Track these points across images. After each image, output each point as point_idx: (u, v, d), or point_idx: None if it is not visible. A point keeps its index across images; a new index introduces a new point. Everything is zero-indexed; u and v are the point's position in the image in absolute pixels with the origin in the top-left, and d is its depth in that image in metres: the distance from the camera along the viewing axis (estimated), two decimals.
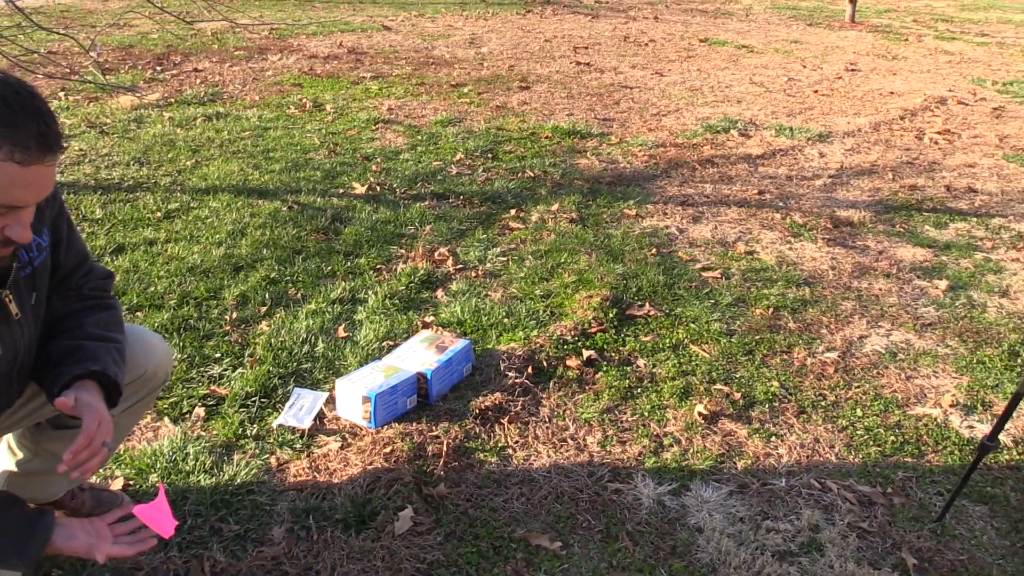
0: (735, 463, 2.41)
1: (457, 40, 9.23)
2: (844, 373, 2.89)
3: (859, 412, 2.67)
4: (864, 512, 2.23)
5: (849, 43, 10.30)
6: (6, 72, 1.28)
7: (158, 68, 7.43)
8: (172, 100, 6.24)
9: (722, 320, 3.16)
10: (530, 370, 2.75)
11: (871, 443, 2.52)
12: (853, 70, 8.41)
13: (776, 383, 2.79)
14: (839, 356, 2.98)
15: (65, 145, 1.33)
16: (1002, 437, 2.57)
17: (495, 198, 4.31)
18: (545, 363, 2.81)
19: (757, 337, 3.07)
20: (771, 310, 3.27)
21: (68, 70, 6.75)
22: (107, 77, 6.59)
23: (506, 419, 2.52)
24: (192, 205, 4.09)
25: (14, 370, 1.59)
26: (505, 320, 3.07)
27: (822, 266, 3.71)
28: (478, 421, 2.50)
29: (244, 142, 5.14)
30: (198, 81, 6.93)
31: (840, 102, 6.94)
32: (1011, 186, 4.91)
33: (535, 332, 2.98)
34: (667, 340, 3.01)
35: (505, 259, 3.61)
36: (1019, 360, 2.99)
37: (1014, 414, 2.67)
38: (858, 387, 2.81)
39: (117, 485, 2.22)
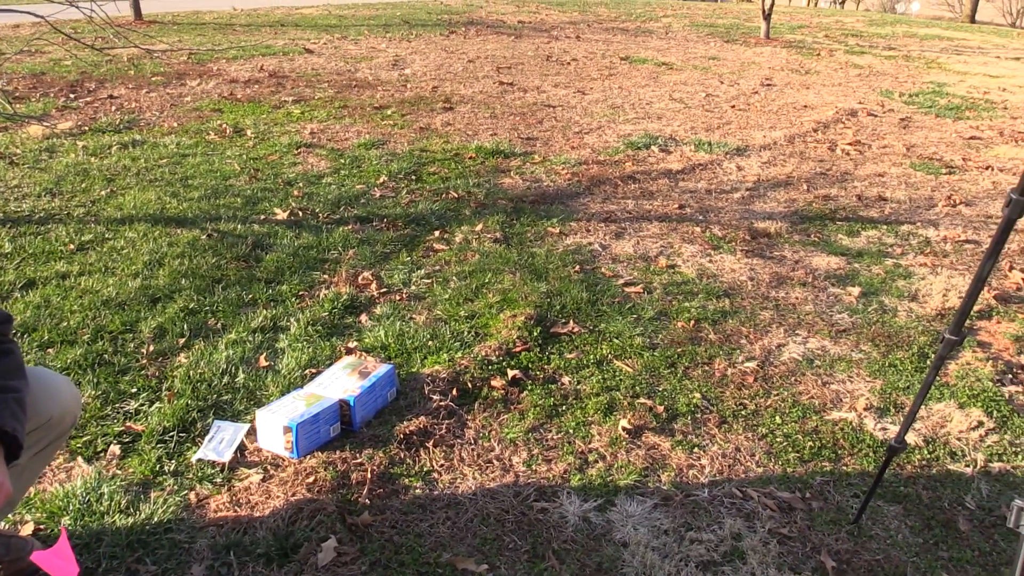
0: (659, 476, 2.44)
1: (380, 62, 9.22)
2: (763, 382, 2.96)
3: (778, 419, 2.74)
4: (784, 518, 2.29)
5: (764, 59, 10.63)
6: None
7: (71, 96, 7.23)
8: (86, 128, 6.07)
9: (645, 334, 3.21)
10: (455, 392, 2.75)
11: (790, 449, 2.59)
12: (769, 85, 8.67)
13: (698, 394, 2.85)
14: (758, 365, 3.05)
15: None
16: (911, 438, 2.66)
17: (419, 220, 4.30)
18: (470, 384, 2.81)
19: (679, 350, 3.12)
20: (692, 322, 3.33)
21: None
22: (16, 106, 6.39)
23: (431, 443, 2.51)
24: (107, 236, 3.98)
25: None
26: (430, 343, 3.06)
27: (741, 277, 3.80)
28: (403, 446, 2.49)
29: (162, 170, 5.04)
30: (113, 108, 6.77)
31: (756, 116, 7.15)
32: (918, 193, 5.12)
33: (460, 354, 2.98)
34: (591, 356, 3.04)
35: (430, 281, 3.61)
36: (928, 362, 3.10)
37: (921, 414, 2.78)
38: (777, 395, 2.88)
39: (27, 530, 2.14)
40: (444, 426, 2.59)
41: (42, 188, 4.66)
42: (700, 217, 4.58)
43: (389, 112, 6.73)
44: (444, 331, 3.14)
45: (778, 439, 2.64)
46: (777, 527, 2.25)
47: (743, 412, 2.77)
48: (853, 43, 12.65)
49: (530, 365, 2.96)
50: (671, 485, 2.41)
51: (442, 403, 2.68)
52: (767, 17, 12.68)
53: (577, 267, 3.79)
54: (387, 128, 6.21)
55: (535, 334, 3.14)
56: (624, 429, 2.62)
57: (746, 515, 2.30)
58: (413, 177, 5.03)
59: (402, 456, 2.45)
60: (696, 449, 2.58)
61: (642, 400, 2.79)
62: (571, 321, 3.27)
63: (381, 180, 4.93)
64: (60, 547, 1.44)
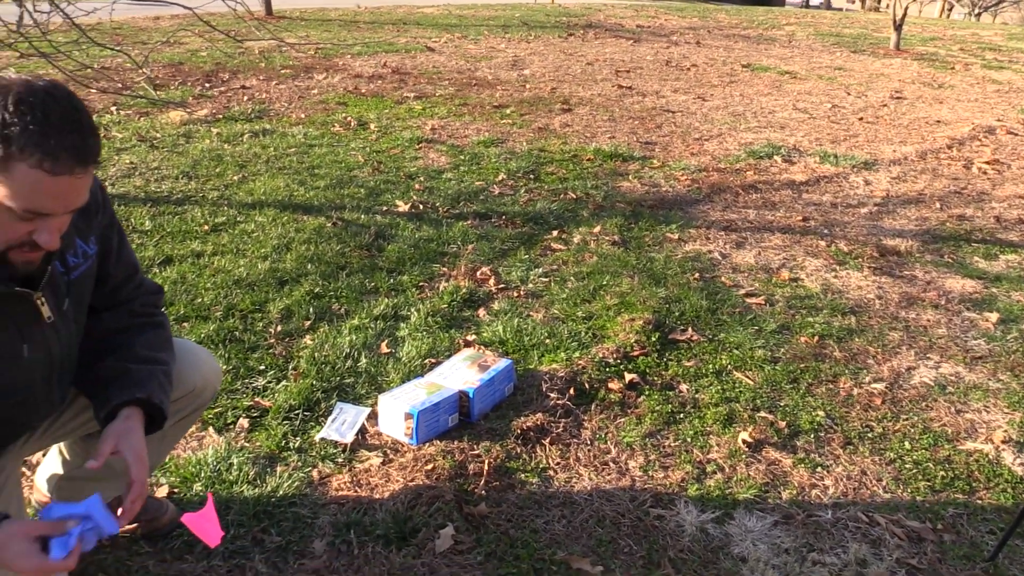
0: (780, 493, 2.37)
1: (500, 62, 9.31)
2: (892, 405, 2.83)
3: (907, 445, 2.61)
4: (913, 548, 2.18)
5: (894, 71, 10.22)
6: (56, 83, 1.30)
7: (207, 85, 7.58)
8: (220, 116, 6.35)
9: (766, 347, 3.13)
10: (572, 392, 2.74)
11: (920, 477, 2.47)
12: (899, 98, 8.33)
13: (822, 413, 2.75)
14: (886, 387, 2.93)
15: (100, 160, 1.33)
16: None
17: (537, 219, 4.32)
18: (587, 385, 2.79)
19: (802, 365, 3.03)
20: (816, 338, 3.22)
21: (120, 85, 6.92)
22: (158, 93, 6.73)
23: (547, 440, 2.51)
24: (238, 219, 4.15)
25: (53, 374, 1.60)
26: (547, 341, 3.06)
27: (868, 295, 3.66)
28: (519, 441, 2.49)
29: (290, 158, 5.22)
30: (245, 98, 7.05)
31: (886, 130, 6.87)
32: None
33: (577, 354, 2.97)
34: (710, 366, 2.98)
35: (547, 280, 3.61)
36: None
37: None
38: (906, 419, 2.75)
39: (162, 493, 2.24)
40: (561, 425, 2.58)
41: (179, 171, 4.90)
42: (825, 231, 4.43)
43: (508, 111, 6.78)
44: (562, 330, 3.14)
45: (907, 465, 2.52)
46: (906, 557, 2.15)
47: (869, 435, 2.66)
48: (991, 57, 12.02)
49: (647, 370, 2.92)
50: (792, 503, 2.33)
51: (559, 402, 2.67)
52: (898, 28, 12.19)
53: (696, 274, 3.72)
54: (506, 127, 6.26)
55: (653, 339, 3.09)
56: (744, 442, 2.56)
57: (872, 541, 2.20)
58: (531, 176, 5.05)
59: (518, 451, 2.46)
60: (819, 468, 2.49)
61: (763, 414, 2.72)
62: (690, 329, 3.21)
63: (500, 178, 4.97)
64: (207, 512, 1.50)
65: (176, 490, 2.27)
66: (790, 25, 15.67)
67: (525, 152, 5.55)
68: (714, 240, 4.19)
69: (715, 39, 12.59)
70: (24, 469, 2.25)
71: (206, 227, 4.02)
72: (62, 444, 2.01)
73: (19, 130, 1.21)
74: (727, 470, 2.45)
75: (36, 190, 1.24)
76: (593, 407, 2.70)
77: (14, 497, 1.72)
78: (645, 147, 5.90)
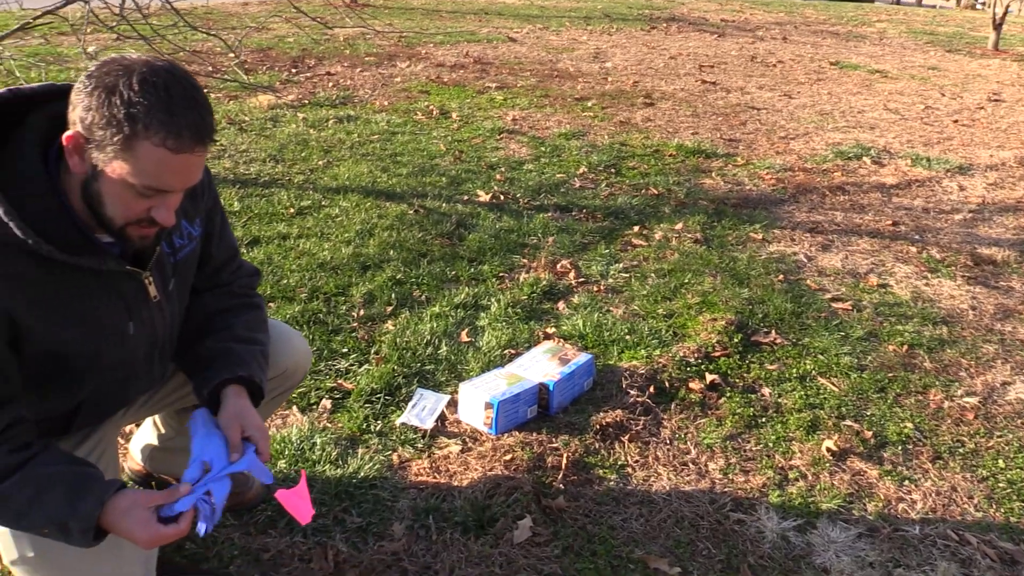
0: (865, 504, 2.30)
1: (581, 54, 9.26)
2: (985, 420, 2.73)
3: (1001, 463, 2.51)
4: (1007, 571, 2.10)
5: (992, 72, 9.81)
6: (174, 64, 1.33)
7: (293, 70, 7.73)
8: (306, 101, 6.47)
9: (852, 354, 3.04)
10: (652, 389, 2.71)
11: (1014, 498, 2.37)
12: (997, 100, 8.00)
13: (910, 424, 2.66)
14: (980, 402, 2.82)
15: (216, 139, 1.36)
16: None
17: (618, 213, 4.28)
18: (667, 384, 2.76)
19: (890, 375, 2.94)
20: (905, 348, 3.12)
21: (211, 68, 7.11)
22: (247, 77, 6.90)
23: (626, 437, 2.49)
24: (323, 203, 4.22)
25: (155, 352, 1.65)
26: (627, 337, 3.04)
27: (961, 305, 3.52)
28: (598, 437, 2.48)
29: (373, 145, 5.29)
30: (330, 84, 7.17)
31: (982, 133, 6.61)
32: None
33: (657, 351, 2.94)
34: (794, 370, 2.91)
35: (627, 275, 3.58)
36: None
37: None
38: (1000, 436, 2.65)
39: None
40: (640, 422, 2.56)
41: (267, 154, 5.01)
42: (916, 236, 4.28)
43: (590, 104, 6.74)
44: (642, 327, 3.11)
45: (1000, 484, 2.42)
46: None
47: (960, 450, 2.57)
48: None
49: (729, 372, 2.88)
50: (878, 516, 2.26)
51: (639, 399, 2.65)
52: (998, 27, 11.69)
53: (780, 276, 3.64)
54: (587, 120, 6.22)
55: (735, 341, 3.04)
56: (828, 450, 2.50)
57: (962, 561, 2.12)
58: (613, 170, 5.01)
59: (597, 447, 2.45)
60: (907, 482, 2.41)
61: (848, 423, 2.65)
62: (773, 331, 3.15)
63: (581, 171, 4.94)
64: (300, 489, 1.53)
65: None
66: (881, 22, 15.18)
67: (606, 146, 5.51)
68: (799, 242, 4.10)
69: (802, 35, 12.29)
70: (119, 439, 2.33)
71: (292, 210, 4.10)
72: (156, 416, 2.08)
73: (144, 109, 1.24)
74: (810, 478, 2.39)
75: (158, 167, 1.28)
76: (673, 406, 2.67)
77: (111, 465, 1.78)
78: (729, 144, 5.80)
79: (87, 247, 1.38)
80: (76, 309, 1.42)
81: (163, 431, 2.11)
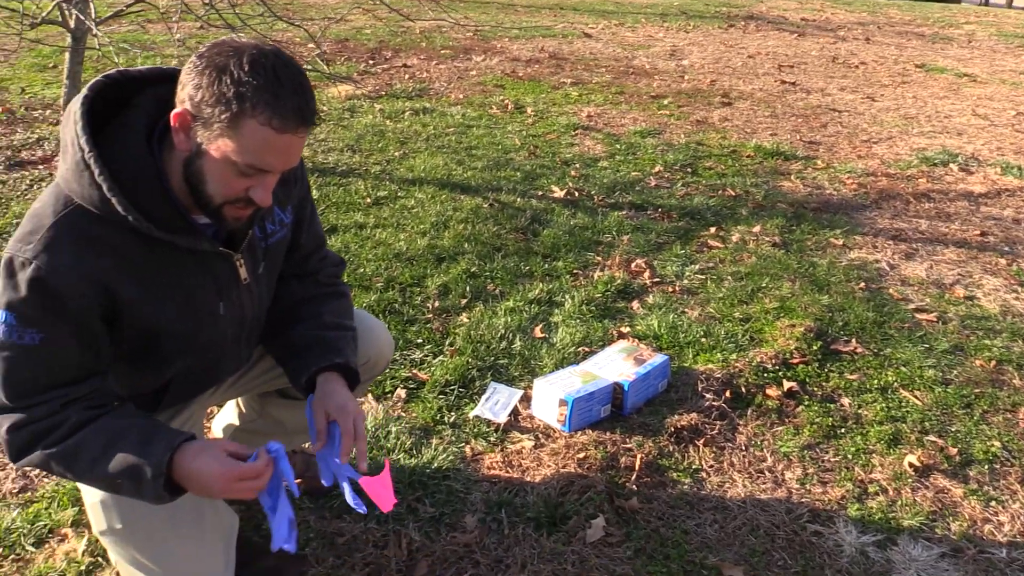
0: (948, 523, 2.23)
1: (657, 51, 9.16)
2: None
3: None
4: None
5: None
6: (280, 48, 1.35)
7: (371, 62, 7.82)
8: (383, 93, 6.55)
9: (937, 367, 2.95)
10: (728, 394, 2.67)
11: None
12: None
13: (997, 443, 2.57)
14: None
15: (318, 122, 1.37)
16: None
17: (694, 214, 4.22)
18: (743, 389, 2.71)
19: (977, 390, 2.84)
20: (993, 363, 3.01)
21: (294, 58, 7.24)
22: (327, 68, 7.00)
23: (701, 441, 2.46)
24: (399, 194, 4.27)
25: (242, 335, 1.69)
26: (702, 340, 2.99)
27: None
28: (672, 439, 2.46)
29: (449, 137, 5.32)
30: (407, 76, 7.24)
31: None
32: None
33: (734, 356, 2.89)
34: (875, 381, 2.84)
35: (703, 277, 3.53)
36: None
37: None
38: None
39: None
40: (716, 427, 2.52)
41: (344, 144, 5.08)
42: (1006, 248, 4.12)
43: (666, 102, 6.66)
44: (718, 330, 3.06)
45: None
46: None
47: None
48: None
49: (807, 379, 2.81)
50: (962, 536, 2.19)
51: (715, 403, 2.61)
52: None
53: (862, 284, 3.55)
54: (663, 118, 6.15)
55: (814, 348, 2.97)
56: (911, 465, 2.42)
57: None
58: (689, 170, 4.94)
59: (671, 449, 2.42)
60: (993, 503, 2.32)
61: (932, 438, 2.57)
62: (854, 340, 3.07)
63: (656, 169, 4.89)
64: (383, 477, 1.55)
65: None
66: (969, 24, 14.65)
67: (683, 145, 5.44)
68: (882, 249, 3.98)
69: (886, 36, 11.93)
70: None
71: (368, 200, 4.16)
72: (239, 398, 2.13)
73: (253, 89, 1.26)
74: (891, 493, 2.33)
75: (262, 146, 1.30)
76: (749, 412, 2.62)
77: None
78: (809, 146, 5.67)
79: (184, 227, 1.42)
80: (172, 287, 1.46)
81: (245, 413, 2.16)
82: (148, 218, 1.35)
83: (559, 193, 4.37)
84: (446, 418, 2.52)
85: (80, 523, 2.07)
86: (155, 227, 1.36)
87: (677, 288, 3.42)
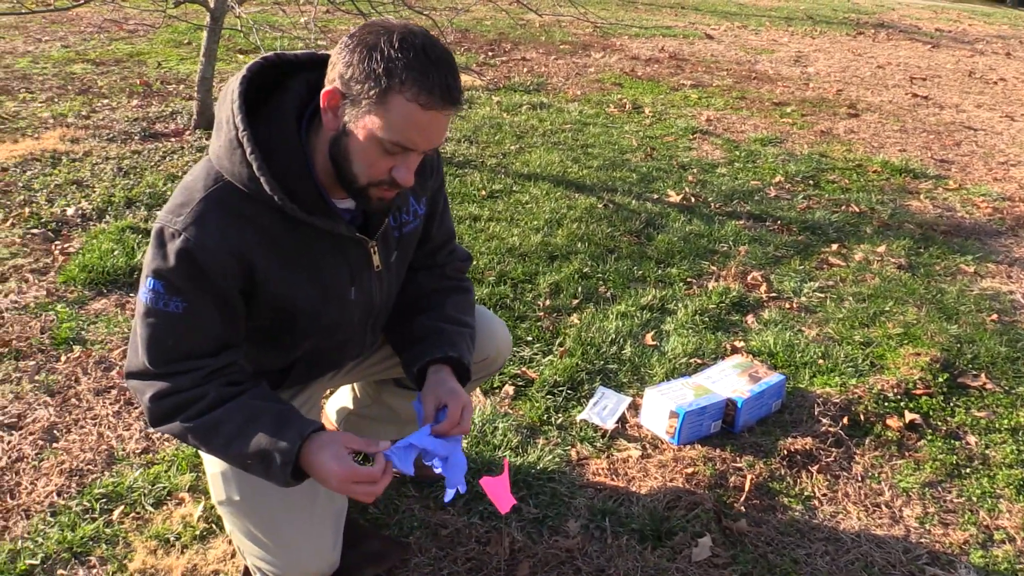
0: None
1: (781, 56, 8.90)
2: None
3: None
4: None
5: None
6: (426, 30, 1.36)
7: (490, 53, 7.87)
8: (500, 85, 6.58)
9: None
10: (845, 421, 2.57)
11: None
12: None
13: None
14: None
15: (464, 104, 1.38)
16: None
17: (815, 228, 4.08)
18: (862, 417, 2.61)
19: None
20: None
21: None
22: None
23: (815, 467, 2.37)
24: (514, 188, 4.28)
25: (368, 321, 1.72)
26: (820, 361, 2.89)
27: None
28: (785, 463, 2.38)
29: (565, 134, 5.30)
30: (525, 70, 7.25)
31: None
32: None
33: (853, 381, 2.78)
34: (1005, 421, 2.68)
35: (823, 295, 3.41)
36: None
37: None
38: None
39: None
40: (831, 454, 2.43)
41: (462, 134, 5.13)
42: None
43: (788, 110, 6.47)
44: (837, 352, 2.95)
45: None
46: None
47: None
48: None
49: (931, 412, 2.68)
50: None
51: (831, 429, 2.52)
52: None
53: (994, 315, 3.36)
54: (785, 126, 5.97)
55: (939, 380, 2.83)
56: None
57: None
58: (811, 182, 4.78)
59: (783, 473, 2.35)
60: None
61: None
62: (983, 375, 2.91)
63: (776, 180, 4.75)
64: (503, 478, 1.55)
65: None
66: None
67: (805, 155, 5.26)
68: (1017, 280, 3.76)
69: None
70: None
71: (484, 192, 4.18)
72: (355, 383, 2.17)
73: (402, 65, 1.28)
74: (1019, 542, 2.19)
75: (408, 123, 1.32)
76: (867, 442, 2.52)
77: None
78: (940, 165, 5.40)
79: (325, 210, 1.45)
80: (307, 267, 1.50)
81: (360, 398, 2.20)
82: (292, 199, 1.39)
83: (675, 198, 4.30)
84: (553, 419, 2.51)
85: (197, 488, 2.16)
86: (298, 208, 1.40)
87: (794, 305, 3.31)
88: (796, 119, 6.21)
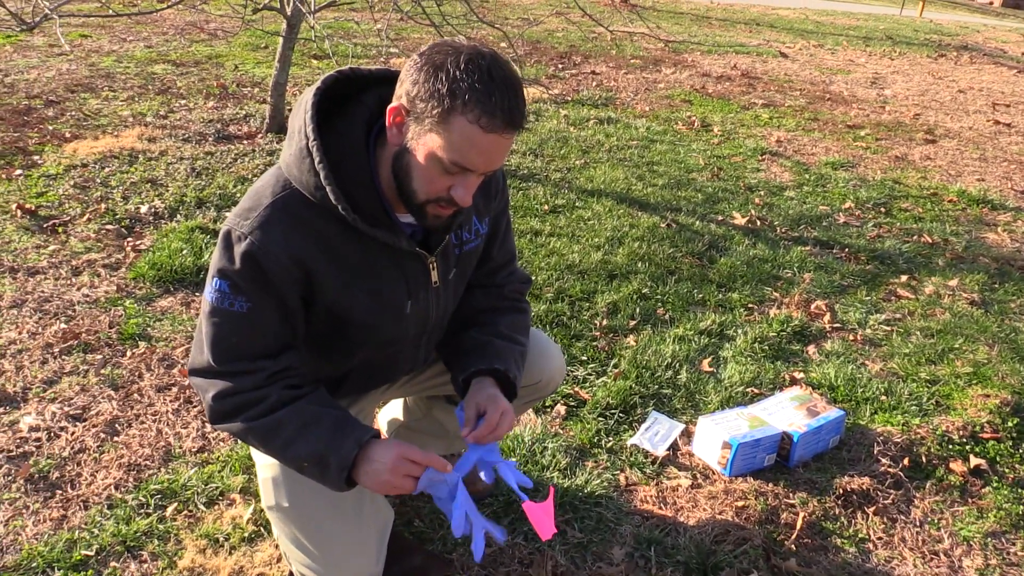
0: None
1: (857, 78, 8.71)
2: None
3: None
4: None
5: None
6: (496, 52, 1.36)
7: (559, 66, 7.88)
8: (568, 99, 6.57)
9: None
10: (906, 462, 2.48)
11: None
12: None
13: None
14: None
15: (527, 127, 1.38)
16: None
17: (884, 258, 3.97)
18: (924, 458, 2.52)
19: None
20: None
21: None
22: (521, 69, 7.11)
23: (871, 509, 2.30)
24: (577, 204, 4.26)
25: (423, 336, 1.73)
26: (882, 398, 2.81)
27: None
28: (839, 502, 2.31)
29: (631, 151, 5.27)
30: (594, 84, 7.24)
31: None
32: None
33: (916, 420, 2.69)
34: None
35: (889, 328, 3.31)
36: None
37: None
38: None
39: None
40: (889, 496, 2.35)
41: (527, 147, 5.14)
42: None
43: (862, 133, 6.32)
44: (900, 389, 2.86)
45: None
46: None
47: None
48: None
49: (998, 458, 2.58)
50: None
51: (890, 469, 2.44)
52: None
53: None
54: (858, 150, 5.83)
55: (1009, 424, 2.72)
56: None
57: None
58: (882, 209, 4.66)
59: (837, 512, 2.28)
60: None
61: None
62: None
63: (847, 206, 4.64)
64: (547, 505, 1.54)
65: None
66: None
67: (878, 182, 5.13)
68: None
69: None
70: None
71: (546, 207, 4.18)
72: (408, 397, 2.19)
73: (466, 86, 1.29)
74: None
75: (468, 144, 1.33)
76: (928, 485, 2.43)
77: None
78: (1021, 197, 5.21)
79: (387, 223, 1.48)
80: (365, 278, 1.52)
81: (411, 411, 2.22)
82: (356, 210, 1.42)
83: (740, 220, 4.23)
84: (603, 442, 2.49)
85: (248, 491, 2.19)
86: (360, 219, 1.42)
87: (859, 337, 3.22)
88: (870, 143, 6.06)
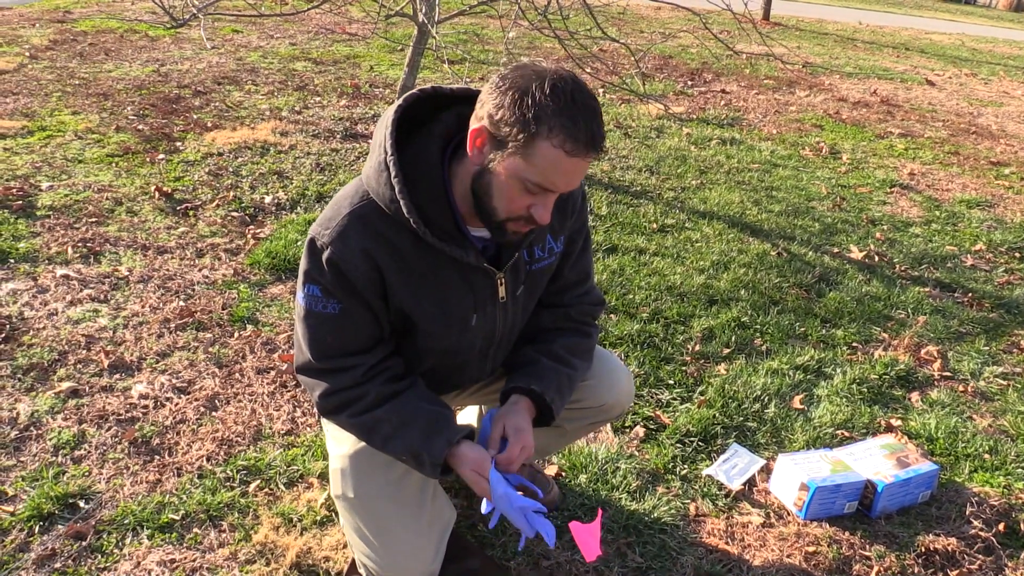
0: None
1: (1010, 111, 8.18)
2: None
3: None
4: None
5: None
6: (578, 76, 1.39)
7: (689, 83, 7.78)
8: (694, 116, 6.49)
9: None
10: (1001, 527, 2.34)
11: None
12: None
13: None
14: None
15: (605, 150, 1.42)
16: None
17: (1011, 307, 3.73)
18: (1023, 526, 2.36)
19: None
20: None
21: (611, 71, 7.40)
22: (643, 86, 7.07)
23: (955, 572, 2.18)
24: (686, 224, 4.21)
25: (489, 349, 1.77)
26: (985, 456, 2.64)
27: None
28: (921, 561, 2.20)
29: (751, 174, 5.15)
30: (722, 103, 7.11)
31: None
32: None
33: (1020, 484, 2.53)
34: None
35: (1005, 383, 3.11)
36: None
37: None
38: None
39: (551, 471, 2.39)
40: (977, 561, 2.22)
41: (644, 164, 5.11)
42: None
43: (1007, 171, 5.94)
44: (1007, 449, 2.69)
45: None
46: None
47: None
48: None
49: None
50: None
51: (982, 533, 2.30)
52: None
53: None
54: (1000, 189, 5.49)
55: None
56: None
57: None
58: (1017, 254, 4.37)
59: (916, 571, 2.17)
60: None
61: None
62: None
63: (977, 248, 4.38)
64: (594, 527, 1.55)
65: (563, 474, 2.39)
66: None
67: (1017, 224, 4.82)
68: None
69: None
70: None
71: (654, 225, 4.15)
72: (481, 404, 2.24)
73: (551, 112, 1.34)
74: None
75: (551, 167, 1.37)
76: (1023, 556, 2.28)
77: None
78: None
79: (457, 238, 1.54)
80: (432, 289, 1.58)
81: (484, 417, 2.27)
82: (427, 224, 1.49)
83: (857, 254, 4.07)
84: (678, 469, 2.46)
85: (325, 476, 2.30)
86: (430, 233, 1.49)
87: (969, 389, 3.05)
88: (1014, 182, 5.69)
